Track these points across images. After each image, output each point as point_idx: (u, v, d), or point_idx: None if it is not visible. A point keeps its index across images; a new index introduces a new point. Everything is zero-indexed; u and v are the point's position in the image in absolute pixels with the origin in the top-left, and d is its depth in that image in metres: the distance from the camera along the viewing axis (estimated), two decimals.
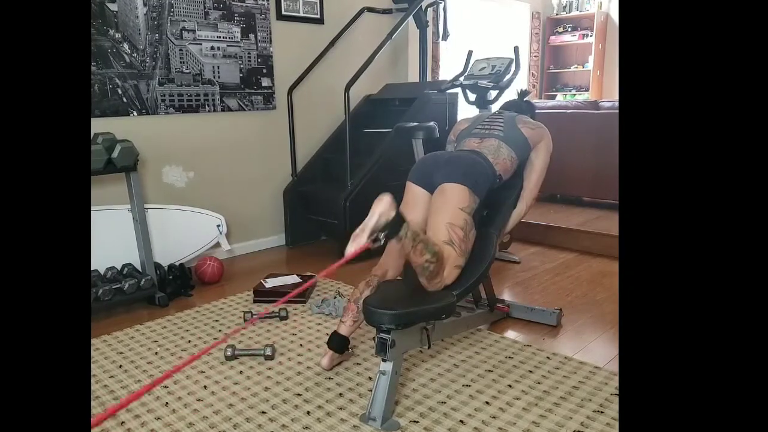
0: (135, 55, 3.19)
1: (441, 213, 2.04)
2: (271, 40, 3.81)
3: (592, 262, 3.56)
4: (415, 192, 2.20)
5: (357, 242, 1.75)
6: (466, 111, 3.80)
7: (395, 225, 1.77)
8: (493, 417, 1.86)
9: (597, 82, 6.78)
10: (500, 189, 2.33)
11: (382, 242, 1.79)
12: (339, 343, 2.14)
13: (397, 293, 1.93)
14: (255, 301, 2.93)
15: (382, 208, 1.76)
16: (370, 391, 1.85)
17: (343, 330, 2.13)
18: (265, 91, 3.83)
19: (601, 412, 1.88)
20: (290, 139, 3.98)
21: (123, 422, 1.85)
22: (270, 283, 3.02)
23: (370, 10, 4.35)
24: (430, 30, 4.83)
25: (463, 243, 2.01)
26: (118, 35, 3.11)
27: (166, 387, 2.07)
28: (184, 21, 3.36)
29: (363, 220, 1.75)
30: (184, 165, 3.53)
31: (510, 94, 3.01)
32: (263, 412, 1.90)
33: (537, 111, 4.82)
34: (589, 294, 3.00)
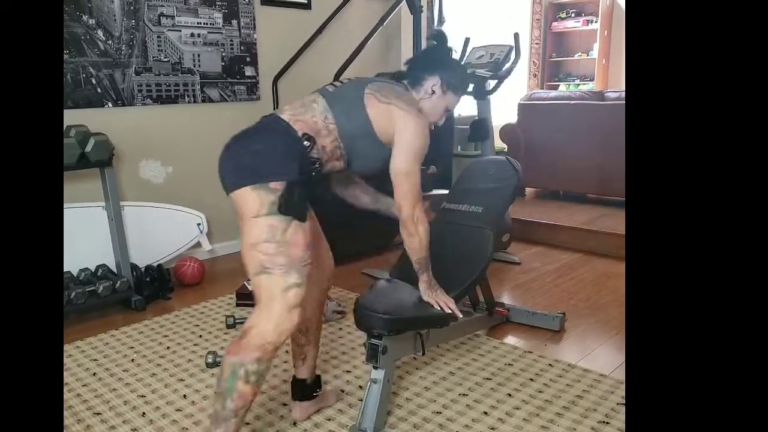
0: (110, 42, 3.17)
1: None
2: (255, 27, 3.79)
3: (596, 262, 3.57)
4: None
5: None
6: (463, 102, 3.80)
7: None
8: (492, 428, 1.86)
9: (602, 71, 6.80)
10: (491, 180, 2.27)
11: None
12: (301, 390, 1.89)
13: (391, 294, 1.91)
14: (238, 305, 2.91)
15: None
16: (361, 400, 1.84)
17: (303, 373, 1.88)
18: (249, 80, 3.81)
19: (607, 422, 1.88)
20: None
21: None
22: None
23: None
24: (424, 16, 4.82)
25: (274, 257, 1.55)
26: (92, 21, 3.08)
27: (143, 396, 2.06)
28: (162, 6, 3.34)
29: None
30: (163, 159, 3.51)
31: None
32: (247, 423, 1.89)
33: (538, 102, 4.82)
34: (594, 297, 3.01)
